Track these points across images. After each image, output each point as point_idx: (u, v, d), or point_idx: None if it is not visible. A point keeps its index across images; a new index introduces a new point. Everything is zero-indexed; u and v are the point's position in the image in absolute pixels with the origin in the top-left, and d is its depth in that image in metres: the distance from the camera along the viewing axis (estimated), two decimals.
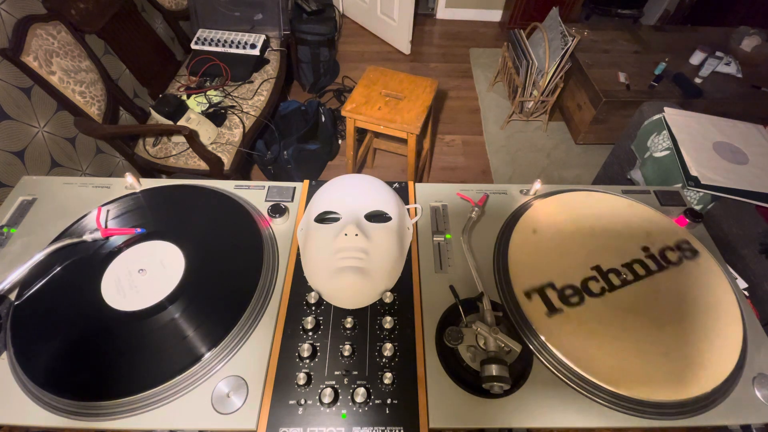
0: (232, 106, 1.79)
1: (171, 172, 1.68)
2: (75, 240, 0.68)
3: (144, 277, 0.65)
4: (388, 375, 0.57)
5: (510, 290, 0.67)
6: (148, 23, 1.88)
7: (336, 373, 0.58)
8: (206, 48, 1.95)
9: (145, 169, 1.67)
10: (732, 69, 2.24)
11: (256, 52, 1.94)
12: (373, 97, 1.64)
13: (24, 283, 0.64)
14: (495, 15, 3.44)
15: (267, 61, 2.01)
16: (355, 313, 0.64)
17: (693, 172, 1.35)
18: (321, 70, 2.58)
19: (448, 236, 0.76)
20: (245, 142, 1.74)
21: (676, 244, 0.74)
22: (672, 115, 1.53)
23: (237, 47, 1.94)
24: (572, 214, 0.78)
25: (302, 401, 0.55)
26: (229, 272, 0.68)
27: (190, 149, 1.57)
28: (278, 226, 0.76)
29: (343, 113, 1.61)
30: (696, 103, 2.12)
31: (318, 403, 0.55)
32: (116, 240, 0.70)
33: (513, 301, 0.65)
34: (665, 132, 1.48)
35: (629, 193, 0.84)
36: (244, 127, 1.75)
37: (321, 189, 0.77)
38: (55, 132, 1.43)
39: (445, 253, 0.74)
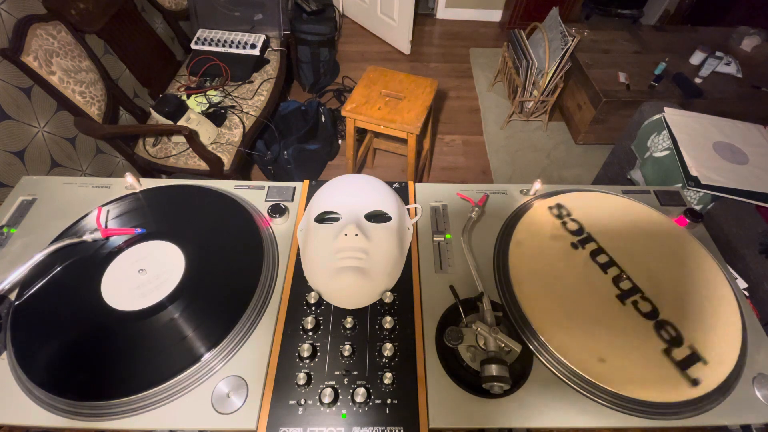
0: (232, 106, 1.79)
1: (171, 172, 1.68)
2: (75, 240, 0.68)
3: (144, 277, 0.65)
4: (388, 375, 0.57)
5: (510, 290, 0.67)
6: (148, 23, 1.88)
7: (336, 373, 0.58)
8: (206, 48, 1.95)
9: (145, 169, 1.67)
10: (732, 69, 2.24)
11: (256, 52, 1.94)
12: (373, 97, 1.64)
13: (24, 283, 0.64)
14: (495, 15, 3.44)
15: (267, 61, 2.01)
16: (355, 313, 0.64)
17: (693, 172, 1.35)
18: (321, 70, 2.58)
19: (448, 236, 0.76)
20: (245, 142, 1.74)
21: (555, 216, 0.74)
22: (672, 115, 1.53)
23: (237, 47, 1.94)
24: (570, 215, 0.78)
25: (302, 401, 0.55)
26: (229, 272, 0.68)
27: (190, 149, 1.57)
28: (278, 226, 0.76)
29: (343, 113, 1.61)
30: (696, 103, 2.12)
31: (318, 403, 0.55)
32: (116, 240, 0.70)
33: (513, 301, 0.65)
34: (665, 132, 1.48)
35: (629, 193, 0.84)
36: (244, 127, 1.75)
37: (321, 189, 0.77)
38: (55, 132, 1.43)
39: (445, 253, 0.74)
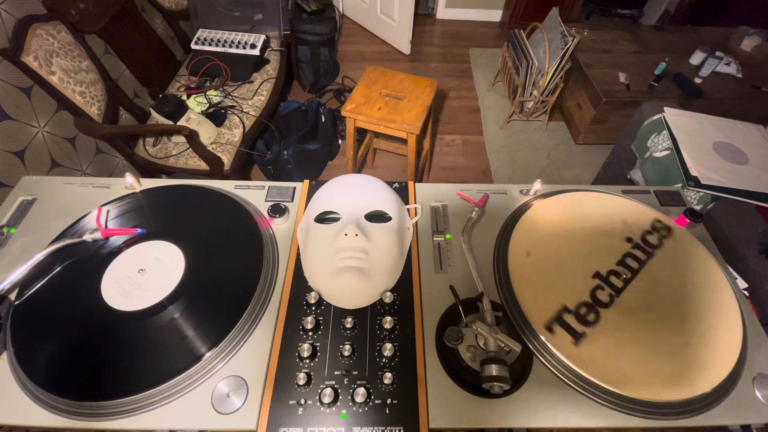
0: (232, 106, 1.79)
1: (171, 172, 1.68)
2: (75, 240, 0.68)
3: (144, 277, 0.65)
4: (388, 375, 0.57)
5: (510, 290, 0.67)
6: (148, 23, 1.88)
7: (336, 373, 0.58)
8: (206, 48, 1.95)
9: (145, 169, 1.67)
10: (732, 69, 2.24)
11: (256, 52, 1.94)
12: (373, 97, 1.64)
13: (24, 283, 0.64)
14: (495, 15, 3.44)
15: (267, 61, 2.01)
16: (355, 313, 0.64)
17: (693, 172, 1.35)
18: (321, 70, 2.58)
19: (448, 236, 0.76)
20: (245, 142, 1.74)
21: (651, 227, 0.76)
22: (672, 115, 1.53)
23: (237, 47, 1.94)
24: (570, 215, 0.78)
25: (302, 401, 0.55)
26: (229, 272, 0.68)
27: (190, 149, 1.57)
28: (278, 226, 0.76)
29: (343, 113, 1.61)
30: (696, 103, 2.12)
31: (318, 403, 0.55)
32: (116, 240, 0.70)
33: (513, 301, 0.65)
34: (665, 132, 1.48)
35: (629, 193, 0.84)
36: (244, 127, 1.75)
37: (321, 189, 0.77)
38: (55, 132, 1.43)
39: (445, 253, 0.74)
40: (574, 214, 0.78)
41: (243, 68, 1.90)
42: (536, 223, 0.76)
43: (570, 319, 0.63)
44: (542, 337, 0.61)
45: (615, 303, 0.65)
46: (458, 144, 2.46)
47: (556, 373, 0.59)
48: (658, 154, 1.49)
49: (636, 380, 0.57)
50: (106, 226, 0.72)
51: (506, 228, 0.76)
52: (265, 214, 0.77)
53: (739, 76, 2.24)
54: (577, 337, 0.61)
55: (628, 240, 0.74)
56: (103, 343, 0.59)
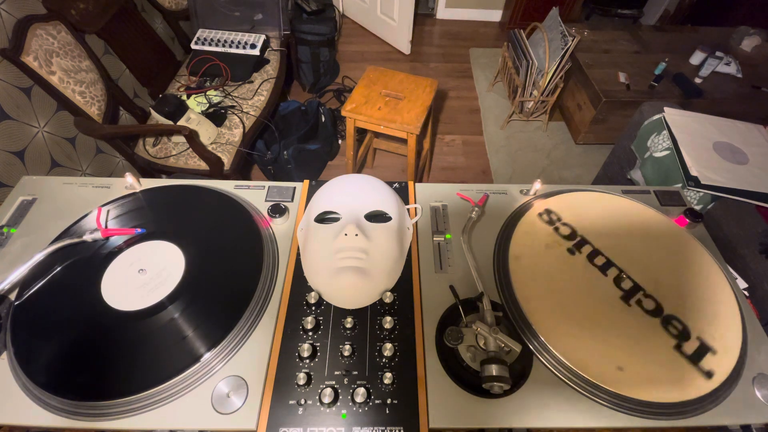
0: (232, 106, 1.79)
1: (171, 172, 1.68)
2: (75, 240, 0.68)
3: (144, 277, 0.65)
4: (388, 375, 0.57)
5: (510, 290, 0.67)
6: (148, 23, 1.88)
7: (336, 373, 0.58)
8: (206, 48, 1.95)
9: (145, 169, 1.67)
10: (732, 69, 2.24)
11: (256, 52, 1.94)
12: (373, 97, 1.64)
13: (24, 283, 0.64)
14: (495, 15, 3.44)
15: (267, 61, 2.01)
16: (355, 313, 0.64)
17: (693, 172, 1.35)
18: (321, 70, 2.58)
19: (448, 236, 0.76)
20: (245, 142, 1.74)
21: (547, 223, 0.75)
22: (672, 115, 1.53)
23: (237, 47, 1.94)
24: (570, 215, 0.78)
25: (302, 401, 0.55)
26: (229, 272, 0.68)
27: (190, 149, 1.57)
28: (278, 226, 0.76)
29: (343, 113, 1.61)
30: (696, 103, 2.12)
31: (318, 403, 0.55)
32: (116, 240, 0.70)
33: (513, 301, 0.65)
34: (665, 132, 1.48)
35: (629, 193, 0.84)
36: (244, 127, 1.75)
37: (321, 189, 0.77)
38: (55, 132, 1.43)
39: (445, 253, 0.74)
40: (574, 214, 0.78)
41: (243, 68, 1.90)
42: (537, 223, 0.76)
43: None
44: (542, 337, 0.61)
45: (616, 303, 0.65)
46: (458, 144, 2.46)
47: (556, 373, 0.59)
48: (658, 154, 1.49)
49: (636, 380, 0.57)
50: (106, 226, 0.72)
51: (506, 228, 0.76)
52: (265, 214, 0.77)
53: (739, 76, 2.24)
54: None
55: (548, 247, 0.73)
56: (103, 343, 0.59)
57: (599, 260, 0.71)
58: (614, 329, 0.62)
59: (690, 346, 0.61)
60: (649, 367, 0.59)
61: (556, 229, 0.75)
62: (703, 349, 0.61)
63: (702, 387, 0.57)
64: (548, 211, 0.77)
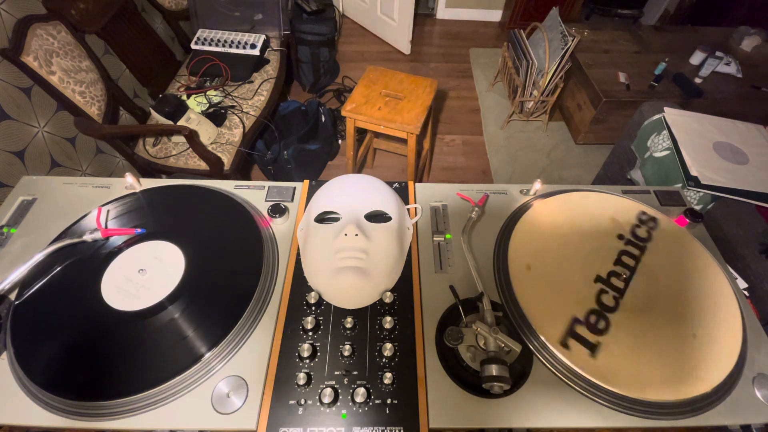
0: (232, 106, 1.79)
1: (171, 172, 1.68)
2: (75, 240, 0.68)
3: (144, 277, 0.65)
4: (388, 375, 0.57)
5: (510, 290, 0.67)
6: (148, 23, 1.88)
7: (336, 373, 0.58)
8: (206, 48, 1.95)
9: (145, 169, 1.67)
10: (732, 69, 2.24)
11: (256, 52, 1.94)
12: (373, 97, 1.64)
13: (24, 283, 0.64)
14: (495, 15, 3.44)
15: (267, 61, 2.01)
16: (355, 313, 0.64)
17: (693, 172, 1.35)
18: (321, 70, 2.58)
19: (448, 236, 0.76)
20: (245, 142, 1.74)
21: (637, 219, 0.76)
22: (672, 115, 1.53)
23: (237, 47, 1.94)
24: (570, 215, 0.78)
25: (302, 401, 0.55)
26: (229, 272, 0.68)
27: (190, 149, 1.57)
28: (278, 226, 0.76)
29: (343, 113, 1.61)
30: (696, 103, 2.12)
31: (318, 403, 0.55)
32: (116, 240, 0.70)
33: (513, 301, 0.65)
34: (665, 132, 1.48)
35: (629, 193, 0.84)
36: (244, 127, 1.75)
37: (321, 189, 0.77)
38: (55, 132, 1.43)
39: (445, 253, 0.74)
40: (574, 214, 0.78)
41: (243, 68, 1.90)
42: (536, 223, 0.76)
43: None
44: (542, 337, 0.61)
45: (615, 303, 0.65)
46: (458, 144, 2.46)
47: (556, 373, 0.59)
48: (658, 154, 1.49)
49: (636, 380, 0.57)
50: (106, 226, 0.72)
51: (506, 228, 0.76)
52: (265, 214, 0.77)
53: (739, 76, 2.24)
54: (588, 345, 0.61)
55: (620, 237, 0.74)
56: (103, 343, 0.59)
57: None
58: (614, 329, 0.62)
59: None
60: (650, 367, 0.59)
61: (559, 227, 0.75)
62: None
63: (702, 387, 0.57)
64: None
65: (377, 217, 0.72)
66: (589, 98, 2.24)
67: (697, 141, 1.45)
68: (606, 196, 0.81)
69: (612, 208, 0.79)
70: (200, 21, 2.03)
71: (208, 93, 1.80)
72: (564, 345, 0.60)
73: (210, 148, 1.62)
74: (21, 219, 0.75)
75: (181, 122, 1.52)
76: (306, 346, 0.58)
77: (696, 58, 2.30)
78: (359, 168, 2.11)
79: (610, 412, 0.57)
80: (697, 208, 1.36)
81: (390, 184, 0.82)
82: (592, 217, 0.77)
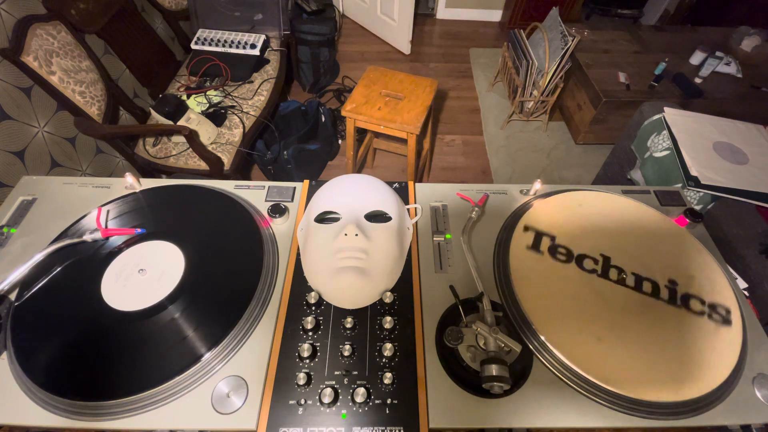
0: (232, 106, 1.79)
1: (171, 172, 1.68)
2: (75, 240, 0.68)
3: (144, 277, 0.65)
4: (388, 375, 0.57)
5: (510, 290, 0.67)
6: (148, 23, 1.88)
7: (336, 373, 0.58)
8: (206, 48, 1.95)
9: (145, 169, 1.67)
10: (732, 69, 2.24)
11: (256, 52, 1.94)
12: (373, 97, 1.64)
13: (24, 283, 0.64)
14: (495, 15, 3.44)
15: (267, 61, 2.01)
16: (355, 313, 0.64)
17: (693, 172, 1.35)
18: (321, 70, 2.58)
19: (448, 236, 0.76)
20: (245, 142, 1.74)
21: (709, 304, 0.66)
22: (672, 115, 1.53)
23: (237, 47, 1.94)
24: (570, 215, 0.78)
25: (302, 401, 0.55)
26: (229, 272, 0.68)
27: (190, 149, 1.57)
28: (278, 226, 0.76)
29: (343, 113, 1.61)
30: (696, 103, 2.12)
31: (318, 403, 0.55)
32: (116, 240, 0.70)
33: (513, 301, 0.65)
34: (665, 132, 1.48)
35: (629, 193, 0.84)
36: (244, 127, 1.75)
37: (321, 189, 0.77)
38: (55, 132, 1.43)
39: (445, 253, 0.74)
40: (574, 214, 0.78)
41: (243, 68, 1.90)
42: (537, 223, 0.76)
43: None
44: (542, 337, 0.61)
45: (616, 303, 0.65)
46: (458, 144, 2.46)
47: (556, 373, 0.59)
48: (658, 154, 1.49)
49: (636, 380, 0.57)
50: (106, 226, 0.72)
51: (506, 228, 0.76)
52: (265, 214, 0.77)
53: (739, 76, 2.24)
54: (536, 250, 0.60)
55: (671, 282, 0.68)
56: (103, 343, 0.59)
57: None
58: (614, 329, 0.62)
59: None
60: (650, 367, 0.59)
61: (559, 228, 0.75)
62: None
63: (702, 387, 0.57)
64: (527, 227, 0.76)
65: (377, 217, 0.72)
66: (589, 98, 2.24)
67: (697, 141, 1.45)
68: (606, 195, 0.81)
69: (612, 208, 0.79)
70: (200, 21, 2.03)
71: (208, 93, 1.80)
72: (525, 228, 0.60)
73: (210, 148, 1.62)
74: (21, 219, 0.75)
75: (181, 122, 1.52)
76: (306, 346, 0.58)
77: (696, 58, 2.30)
78: (359, 168, 2.11)
79: (610, 412, 0.57)
80: (697, 208, 1.36)
81: (390, 184, 0.82)
82: (603, 217, 0.77)
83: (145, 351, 0.58)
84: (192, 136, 1.49)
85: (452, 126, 2.57)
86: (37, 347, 0.58)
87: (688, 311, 0.65)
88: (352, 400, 0.55)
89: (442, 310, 0.65)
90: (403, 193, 0.82)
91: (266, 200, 0.81)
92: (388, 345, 0.59)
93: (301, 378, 0.55)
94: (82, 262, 0.67)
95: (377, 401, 0.56)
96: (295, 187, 0.83)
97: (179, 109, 1.52)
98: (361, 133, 2.13)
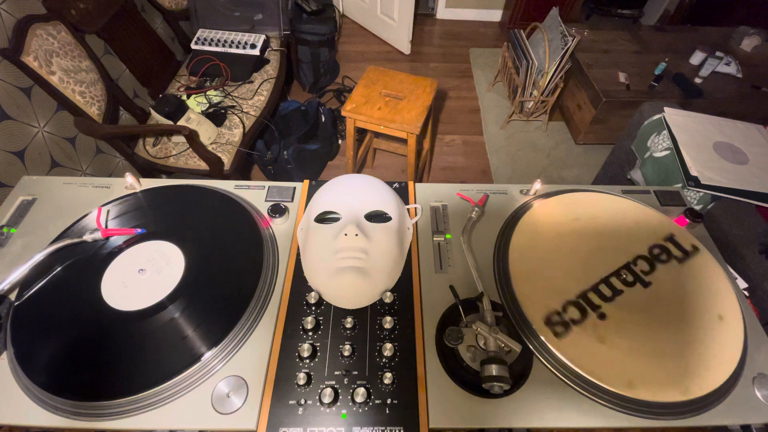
0: (232, 106, 1.79)
1: (171, 172, 1.68)
2: (75, 240, 0.68)
3: (144, 277, 0.65)
4: (388, 375, 0.57)
5: (510, 290, 0.67)
6: (148, 23, 1.88)
7: (336, 373, 0.58)
8: (206, 48, 1.95)
9: (145, 169, 1.67)
10: (732, 69, 2.24)
11: (256, 52, 1.94)
12: (373, 97, 1.64)
13: (24, 283, 0.64)
14: (495, 15, 3.44)
15: (267, 61, 2.01)
16: (355, 313, 0.64)
17: (693, 172, 1.35)
18: (321, 70, 2.58)
19: (448, 236, 0.76)
20: (245, 142, 1.74)
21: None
22: (672, 115, 1.53)
23: (237, 47, 1.94)
24: (570, 215, 0.78)
25: (302, 401, 0.55)
26: (229, 272, 0.68)
27: (190, 149, 1.57)
28: (278, 226, 0.76)
29: (343, 113, 1.61)
30: (696, 103, 2.12)
31: (318, 403, 0.55)
32: (116, 240, 0.70)
33: (513, 301, 0.65)
34: (665, 132, 1.48)
35: (629, 193, 0.84)
36: (244, 127, 1.75)
37: (321, 189, 0.77)
38: (55, 132, 1.43)
39: (445, 253, 0.74)
40: (574, 215, 0.78)
41: (243, 68, 1.90)
42: (537, 223, 0.76)
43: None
44: (542, 337, 0.61)
45: (615, 303, 0.65)
46: (458, 144, 2.46)
47: (556, 373, 0.59)
48: (658, 154, 1.49)
49: (636, 380, 0.57)
50: (106, 226, 0.72)
51: (506, 228, 0.76)
52: (265, 214, 0.77)
53: (739, 76, 2.24)
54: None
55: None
56: (103, 343, 0.59)
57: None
58: (614, 328, 0.62)
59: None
60: (650, 367, 0.59)
61: (559, 228, 0.75)
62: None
63: (702, 387, 0.57)
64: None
65: (377, 217, 0.72)
66: (589, 98, 2.24)
67: (697, 141, 1.45)
68: (606, 196, 0.81)
69: (612, 208, 0.79)
70: (200, 21, 2.03)
71: (208, 93, 1.80)
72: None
73: (210, 148, 1.62)
74: (21, 219, 0.75)
75: (181, 122, 1.52)
76: (306, 346, 0.58)
77: (696, 58, 2.30)
78: (359, 168, 2.11)
79: (610, 412, 0.57)
80: (697, 208, 1.36)
81: (390, 184, 0.82)
82: (603, 217, 0.77)
83: (145, 351, 0.58)
84: (192, 136, 1.49)
85: (452, 126, 2.57)
86: (37, 347, 0.58)
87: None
88: (352, 400, 0.55)
89: (442, 310, 0.65)
90: (403, 193, 0.82)
91: (266, 200, 0.81)
92: (388, 345, 0.59)
93: (301, 378, 0.55)
94: (82, 262, 0.67)
95: (377, 401, 0.56)
96: (295, 187, 0.83)
97: (179, 109, 1.52)
98: (361, 133, 2.12)
